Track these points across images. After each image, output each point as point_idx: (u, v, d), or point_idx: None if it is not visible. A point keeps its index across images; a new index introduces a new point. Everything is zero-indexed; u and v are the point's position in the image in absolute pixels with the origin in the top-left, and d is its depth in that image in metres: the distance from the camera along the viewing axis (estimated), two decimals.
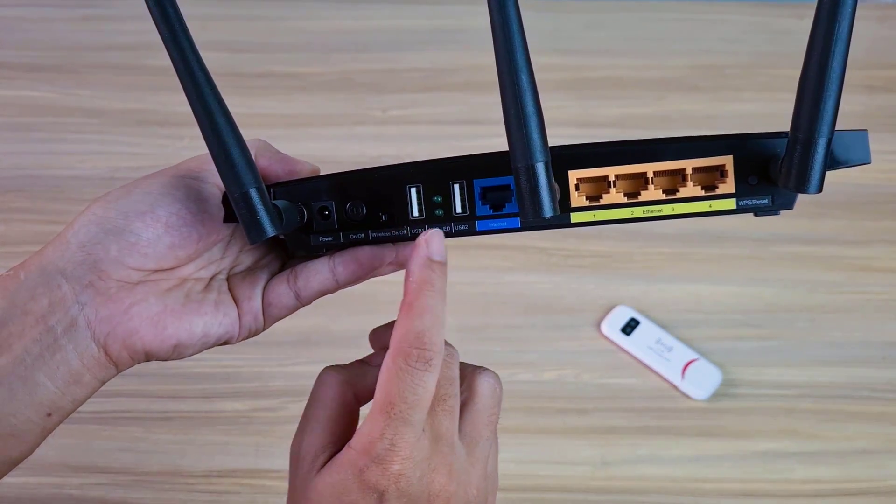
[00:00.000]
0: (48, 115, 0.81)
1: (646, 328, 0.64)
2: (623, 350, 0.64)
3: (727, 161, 0.30)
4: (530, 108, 0.27)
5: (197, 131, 0.33)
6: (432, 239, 0.29)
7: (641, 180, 0.30)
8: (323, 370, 0.33)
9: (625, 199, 0.31)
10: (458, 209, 0.32)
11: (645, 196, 0.31)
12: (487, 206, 0.31)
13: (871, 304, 0.67)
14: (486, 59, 0.93)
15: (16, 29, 0.90)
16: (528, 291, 0.68)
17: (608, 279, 0.68)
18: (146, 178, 0.32)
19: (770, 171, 0.30)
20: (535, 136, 0.27)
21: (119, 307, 0.30)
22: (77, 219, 0.30)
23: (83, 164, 0.77)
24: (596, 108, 0.82)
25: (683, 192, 0.30)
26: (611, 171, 0.30)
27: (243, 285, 0.34)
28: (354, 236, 0.33)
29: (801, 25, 0.92)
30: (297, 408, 0.62)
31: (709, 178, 0.31)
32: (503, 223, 0.32)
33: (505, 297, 0.68)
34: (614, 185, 0.30)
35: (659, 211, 0.31)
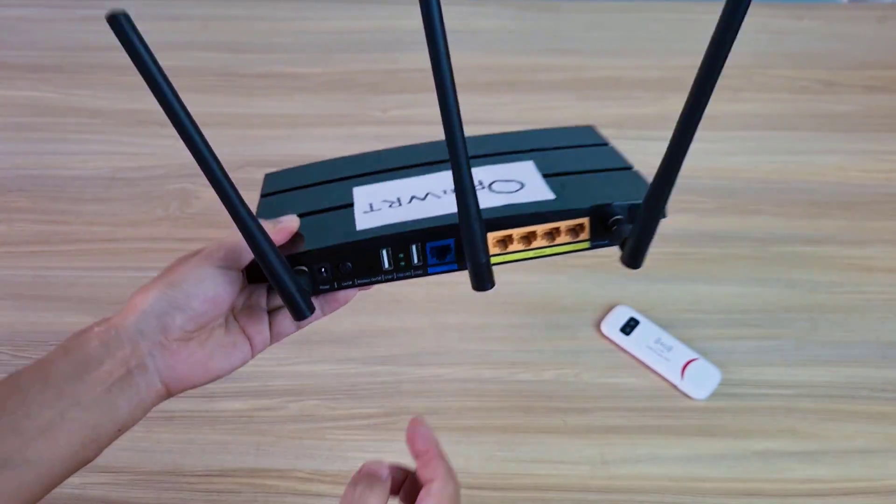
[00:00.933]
0: (49, 115, 0.82)
1: (645, 328, 0.65)
2: (622, 350, 0.64)
3: (585, 221, 0.45)
4: (476, 227, 0.41)
5: None
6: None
7: (532, 235, 0.45)
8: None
9: (521, 247, 0.45)
10: (416, 261, 0.45)
11: (534, 244, 0.45)
12: (434, 258, 0.45)
13: (871, 304, 0.67)
14: (486, 60, 0.93)
15: (17, 29, 0.90)
16: (528, 291, 0.69)
17: (608, 279, 0.68)
18: (198, 261, 0.42)
19: (609, 225, 0.45)
20: (479, 242, 0.42)
21: (178, 358, 0.41)
22: (149, 293, 0.41)
23: (84, 165, 0.77)
24: (596, 108, 0.83)
25: (558, 240, 0.45)
26: (513, 232, 0.44)
27: (251, 323, 0.45)
28: (345, 283, 0.46)
29: (799, 26, 0.92)
30: (297, 407, 0.63)
31: (574, 231, 0.45)
32: (445, 267, 0.46)
33: (505, 297, 0.68)
34: (515, 240, 0.45)
35: (542, 252, 0.45)
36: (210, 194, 0.78)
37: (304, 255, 0.45)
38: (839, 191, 0.75)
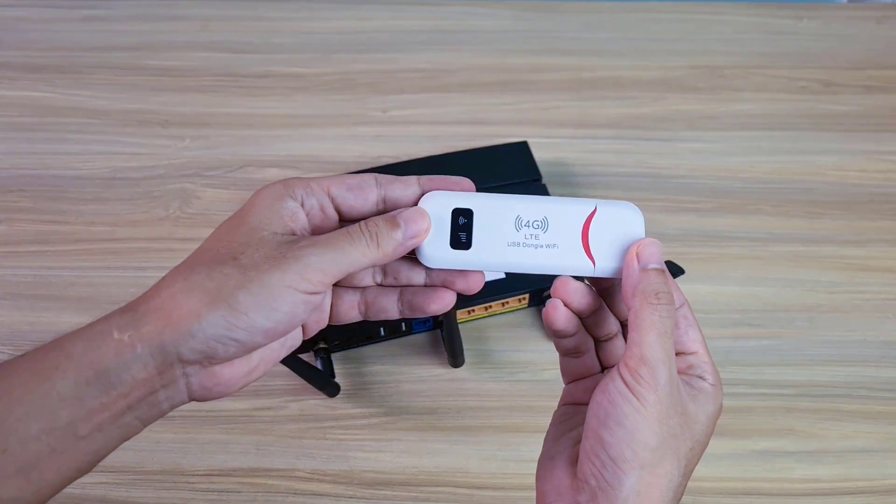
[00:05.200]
0: (49, 115, 0.82)
1: None
2: None
3: (526, 296, 0.65)
4: (457, 344, 0.61)
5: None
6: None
7: (489, 304, 0.65)
8: None
9: (482, 313, 0.66)
10: (403, 329, 0.64)
11: (490, 311, 0.65)
12: (419, 326, 0.64)
13: (870, 304, 0.67)
14: (485, 59, 0.93)
15: (17, 29, 0.90)
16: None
17: None
18: (282, 276, 0.32)
19: (543, 297, 0.65)
20: (458, 351, 0.62)
21: (218, 379, 0.34)
22: (202, 309, 0.31)
23: (84, 165, 0.77)
24: (595, 108, 0.83)
25: (507, 307, 0.66)
26: (476, 307, 0.64)
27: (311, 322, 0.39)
28: (350, 348, 0.65)
29: (798, 26, 0.92)
30: (298, 406, 0.63)
31: (519, 300, 0.65)
32: (426, 327, 0.65)
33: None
34: (477, 310, 0.65)
35: (494, 313, 0.66)
36: (211, 194, 0.78)
37: (324, 336, 0.62)
38: (838, 190, 0.76)
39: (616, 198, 0.74)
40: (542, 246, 0.37)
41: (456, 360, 0.62)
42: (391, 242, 0.34)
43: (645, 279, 0.35)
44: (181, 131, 0.80)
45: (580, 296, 0.38)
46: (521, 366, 0.64)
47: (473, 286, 0.38)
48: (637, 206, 0.73)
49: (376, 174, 0.37)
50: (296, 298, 0.32)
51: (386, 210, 0.37)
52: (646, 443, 0.33)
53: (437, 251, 0.37)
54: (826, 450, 0.59)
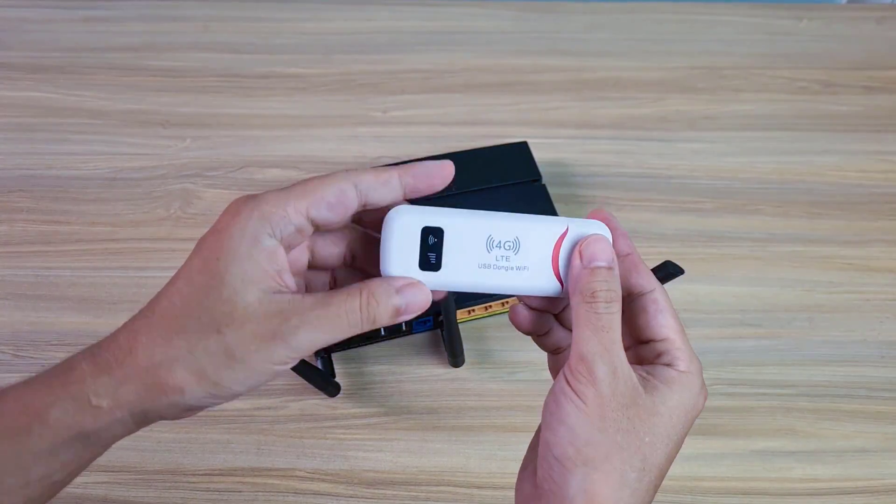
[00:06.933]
0: (50, 115, 0.82)
1: None
2: None
3: None
4: (457, 345, 0.61)
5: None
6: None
7: (489, 304, 0.65)
8: None
9: (482, 313, 0.66)
10: (404, 329, 0.64)
11: (490, 310, 0.66)
12: (419, 325, 0.64)
13: (869, 304, 0.67)
14: (486, 60, 0.93)
15: (18, 30, 0.90)
16: None
17: None
18: (271, 339, 0.33)
19: None
20: (458, 350, 0.62)
21: (189, 414, 0.34)
22: (188, 387, 0.32)
23: (85, 165, 0.77)
24: (596, 108, 0.83)
25: (508, 305, 0.64)
26: (476, 307, 0.65)
27: None
28: (351, 347, 0.65)
29: (799, 27, 0.92)
30: (298, 406, 0.63)
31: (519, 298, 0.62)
32: (426, 327, 0.65)
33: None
34: (477, 309, 0.65)
35: (494, 313, 0.66)
36: (212, 194, 0.78)
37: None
38: (838, 191, 0.76)
39: (616, 198, 0.75)
40: (512, 268, 0.36)
41: (456, 360, 0.63)
42: (386, 321, 0.34)
43: (583, 278, 0.35)
44: (182, 132, 0.80)
45: (538, 299, 0.38)
46: (521, 366, 0.64)
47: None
48: (638, 206, 0.74)
49: (353, 177, 0.34)
50: (278, 369, 0.33)
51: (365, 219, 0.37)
52: (588, 439, 0.32)
53: (405, 273, 0.35)
54: (825, 449, 0.60)
